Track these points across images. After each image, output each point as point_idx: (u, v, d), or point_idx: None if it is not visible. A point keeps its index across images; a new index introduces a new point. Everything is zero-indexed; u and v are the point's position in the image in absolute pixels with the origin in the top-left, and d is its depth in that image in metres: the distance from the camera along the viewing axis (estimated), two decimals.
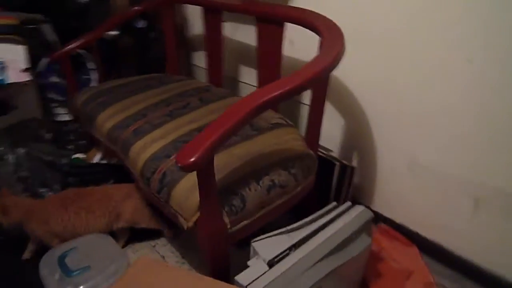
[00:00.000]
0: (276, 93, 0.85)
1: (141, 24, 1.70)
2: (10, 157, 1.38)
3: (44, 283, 1.09)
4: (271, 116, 1.25)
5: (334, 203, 1.05)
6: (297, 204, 1.10)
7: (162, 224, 1.34)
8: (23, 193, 1.38)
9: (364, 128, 1.35)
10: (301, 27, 1.15)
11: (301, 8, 1.20)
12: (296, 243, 0.90)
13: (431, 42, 1.09)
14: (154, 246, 1.35)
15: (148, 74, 1.70)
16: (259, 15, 1.29)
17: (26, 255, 1.27)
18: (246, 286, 0.80)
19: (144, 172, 1.08)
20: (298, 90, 0.89)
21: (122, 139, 1.24)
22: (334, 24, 1.07)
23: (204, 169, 0.82)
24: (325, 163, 1.31)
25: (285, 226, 0.95)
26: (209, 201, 0.87)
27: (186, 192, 0.95)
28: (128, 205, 1.28)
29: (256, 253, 0.89)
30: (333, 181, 1.32)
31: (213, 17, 1.50)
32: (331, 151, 1.43)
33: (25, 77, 1.35)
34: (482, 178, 1.09)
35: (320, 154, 1.34)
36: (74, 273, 1.08)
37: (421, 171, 1.24)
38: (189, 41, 2.03)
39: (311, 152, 1.14)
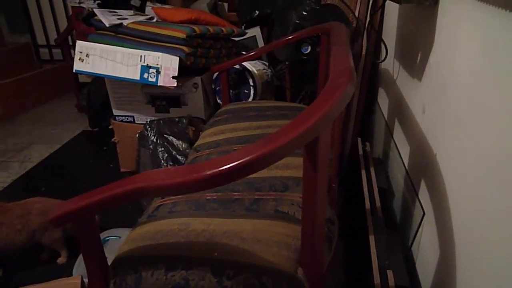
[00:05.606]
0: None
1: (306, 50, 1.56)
2: (150, 143, 1.64)
3: None
4: (296, 200, 0.92)
5: None
6: None
7: (63, 249, 1.42)
8: None
9: None
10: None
11: None
12: None
13: None
14: None
15: None
16: None
17: None
18: None
19: None
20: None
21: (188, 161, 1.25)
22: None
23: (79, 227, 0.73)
24: None
25: None
26: (92, 265, 0.77)
27: None
28: (38, 221, 1.34)
29: None
30: None
31: None
32: None
33: (173, 83, 1.54)
34: None
35: None
36: None
37: None
38: None
39: (297, 275, 0.77)
